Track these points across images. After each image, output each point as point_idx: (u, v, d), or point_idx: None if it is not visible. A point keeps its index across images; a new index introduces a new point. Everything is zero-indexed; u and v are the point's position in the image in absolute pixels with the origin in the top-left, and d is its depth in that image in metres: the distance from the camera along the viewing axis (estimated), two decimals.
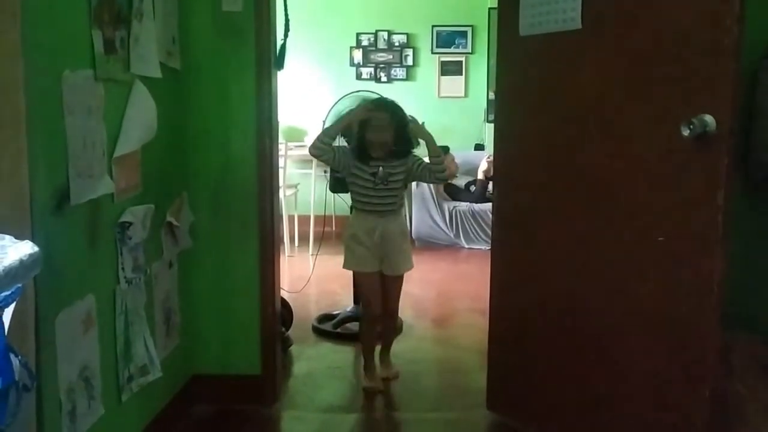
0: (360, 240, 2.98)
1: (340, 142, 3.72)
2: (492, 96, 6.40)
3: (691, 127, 1.84)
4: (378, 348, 3.19)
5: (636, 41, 2.07)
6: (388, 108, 2.99)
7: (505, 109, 2.58)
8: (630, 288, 2.14)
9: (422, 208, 6.07)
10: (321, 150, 2.91)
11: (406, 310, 4.17)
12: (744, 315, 2.34)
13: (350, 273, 3.95)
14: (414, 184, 5.65)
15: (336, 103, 3.90)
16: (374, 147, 2.91)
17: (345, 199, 4.17)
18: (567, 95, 2.30)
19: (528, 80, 2.46)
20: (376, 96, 3.76)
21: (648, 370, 2.10)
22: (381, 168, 2.92)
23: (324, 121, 3.96)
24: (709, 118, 1.83)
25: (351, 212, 3.15)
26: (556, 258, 2.38)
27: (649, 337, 2.09)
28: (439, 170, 3.00)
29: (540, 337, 2.46)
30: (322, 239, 4.96)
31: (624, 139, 2.12)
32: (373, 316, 3.10)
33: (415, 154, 3.04)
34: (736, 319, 2.24)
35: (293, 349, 3.48)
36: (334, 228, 6.35)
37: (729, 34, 1.81)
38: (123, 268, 2.05)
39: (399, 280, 3.11)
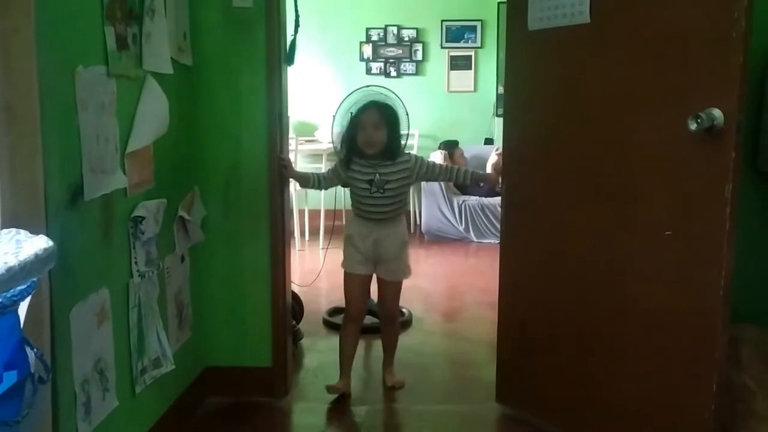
0: (353, 242, 2.92)
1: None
2: (501, 90, 6.40)
3: (699, 120, 1.84)
4: (353, 355, 3.07)
5: (643, 35, 2.08)
6: (378, 105, 2.87)
7: (513, 103, 2.59)
8: (638, 281, 2.14)
9: (432, 203, 6.09)
10: (309, 186, 3.01)
11: (415, 303, 4.20)
12: (752, 307, 2.34)
13: None
14: None
15: (346, 98, 3.91)
16: (367, 146, 2.81)
17: None
18: (575, 90, 2.31)
19: (537, 74, 2.46)
20: (383, 90, 3.76)
21: (655, 363, 2.11)
22: (377, 175, 2.82)
23: (334, 116, 3.96)
24: (716, 112, 1.83)
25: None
26: (565, 251, 2.39)
27: (657, 330, 2.10)
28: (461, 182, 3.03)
29: (549, 330, 2.47)
30: (332, 233, 4.97)
31: (632, 133, 2.13)
32: (350, 317, 3.02)
33: (411, 154, 2.95)
34: (744, 311, 2.25)
35: (304, 341, 3.50)
36: (344, 222, 6.37)
37: (737, 26, 1.81)
38: (136, 262, 2.08)
39: (394, 285, 3.02)
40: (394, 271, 2.97)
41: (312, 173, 3.05)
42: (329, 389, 2.91)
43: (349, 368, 3.00)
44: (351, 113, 3.14)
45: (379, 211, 2.87)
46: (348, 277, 2.98)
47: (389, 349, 3.17)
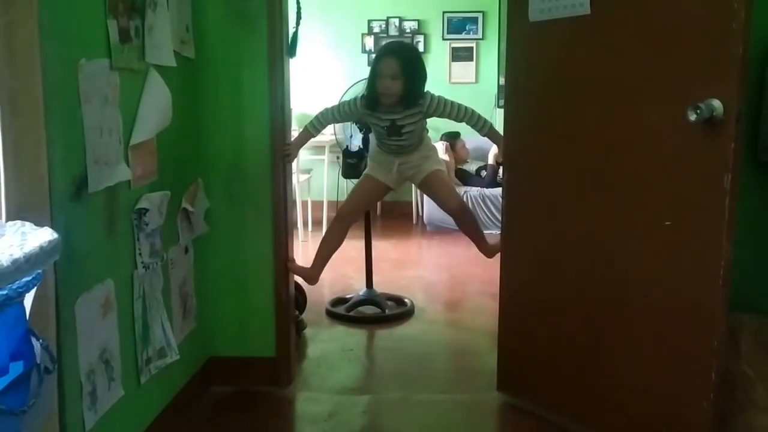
0: (377, 162, 3.14)
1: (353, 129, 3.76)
2: (503, 82, 6.41)
3: (698, 111, 1.85)
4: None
5: (643, 26, 2.08)
6: (397, 54, 2.93)
7: (514, 94, 2.59)
8: (638, 271, 2.16)
9: None
10: (320, 126, 3.08)
11: (417, 293, 4.22)
12: (751, 296, 2.35)
13: (362, 257, 4.01)
14: None
15: (348, 89, 3.93)
16: (383, 96, 2.92)
17: None
18: (576, 81, 2.31)
19: (538, 66, 2.47)
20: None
21: (655, 352, 2.13)
22: (391, 122, 2.96)
23: None
24: (716, 103, 1.84)
25: None
26: (565, 242, 2.40)
27: (656, 319, 2.11)
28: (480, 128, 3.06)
29: (549, 320, 2.48)
30: None
31: (632, 123, 2.13)
32: (338, 215, 3.26)
33: (428, 93, 3.01)
34: (743, 300, 2.26)
35: (307, 332, 3.52)
36: None
37: (736, 17, 1.81)
38: (140, 254, 2.10)
39: (437, 180, 3.15)
40: (425, 168, 3.12)
41: (308, 125, 3.10)
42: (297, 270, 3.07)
43: (325, 261, 3.25)
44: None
45: (397, 146, 3.04)
46: (362, 180, 3.19)
47: (476, 238, 3.29)
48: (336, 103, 3.19)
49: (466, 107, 3.05)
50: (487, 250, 3.24)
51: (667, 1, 2.02)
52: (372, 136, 3.33)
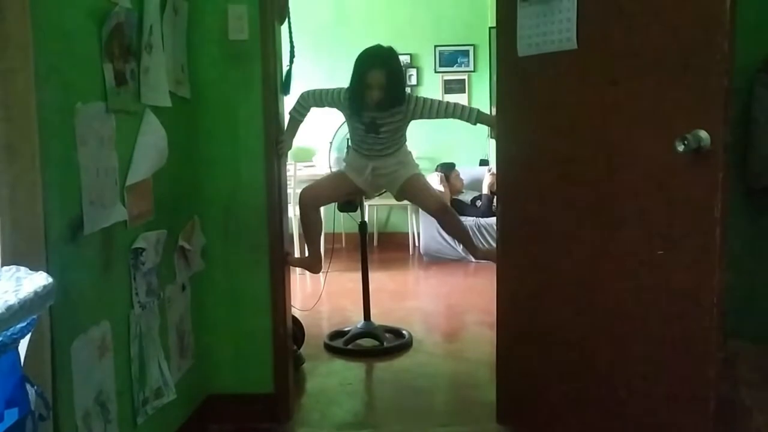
0: (351, 167, 3.17)
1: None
2: (495, 112, 6.46)
3: (686, 142, 1.87)
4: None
5: (630, 60, 2.11)
6: (384, 64, 3.01)
7: (505, 126, 2.62)
8: (632, 302, 2.16)
9: (429, 224, 6.09)
10: (304, 110, 3.09)
11: (415, 324, 4.21)
12: (746, 324, 2.36)
13: (360, 289, 4.01)
14: None
15: (342, 124, 3.97)
16: (374, 105, 2.99)
17: (354, 218, 4.22)
18: (565, 113, 2.33)
19: (527, 99, 2.50)
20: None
21: (653, 383, 2.12)
22: (372, 119, 3.01)
23: (331, 143, 4.01)
24: (703, 134, 1.86)
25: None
26: (560, 271, 2.41)
27: (653, 350, 2.11)
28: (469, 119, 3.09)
29: (546, 350, 2.48)
30: (332, 257, 4.99)
31: (621, 155, 2.15)
32: (301, 204, 3.27)
33: (410, 96, 3.06)
34: (740, 328, 2.26)
35: (306, 366, 3.51)
36: (343, 244, 6.41)
37: (720, 50, 1.84)
38: (137, 293, 2.10)
39: (415, 184, 3.18)
40: (402, 175, 3.16)
41: (292, 111, 3.09)
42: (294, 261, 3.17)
43: (317, 247, 3.34)
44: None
45: (374, 149, 3.07)
46: (334, 173, 3.27)
47: (462, 239, 3.34)
48: (317, 93, 3.20)
49: (448, 102, 3.13)
50: (475, 252, 3.34)
51: (651, 35, 2.05)
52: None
